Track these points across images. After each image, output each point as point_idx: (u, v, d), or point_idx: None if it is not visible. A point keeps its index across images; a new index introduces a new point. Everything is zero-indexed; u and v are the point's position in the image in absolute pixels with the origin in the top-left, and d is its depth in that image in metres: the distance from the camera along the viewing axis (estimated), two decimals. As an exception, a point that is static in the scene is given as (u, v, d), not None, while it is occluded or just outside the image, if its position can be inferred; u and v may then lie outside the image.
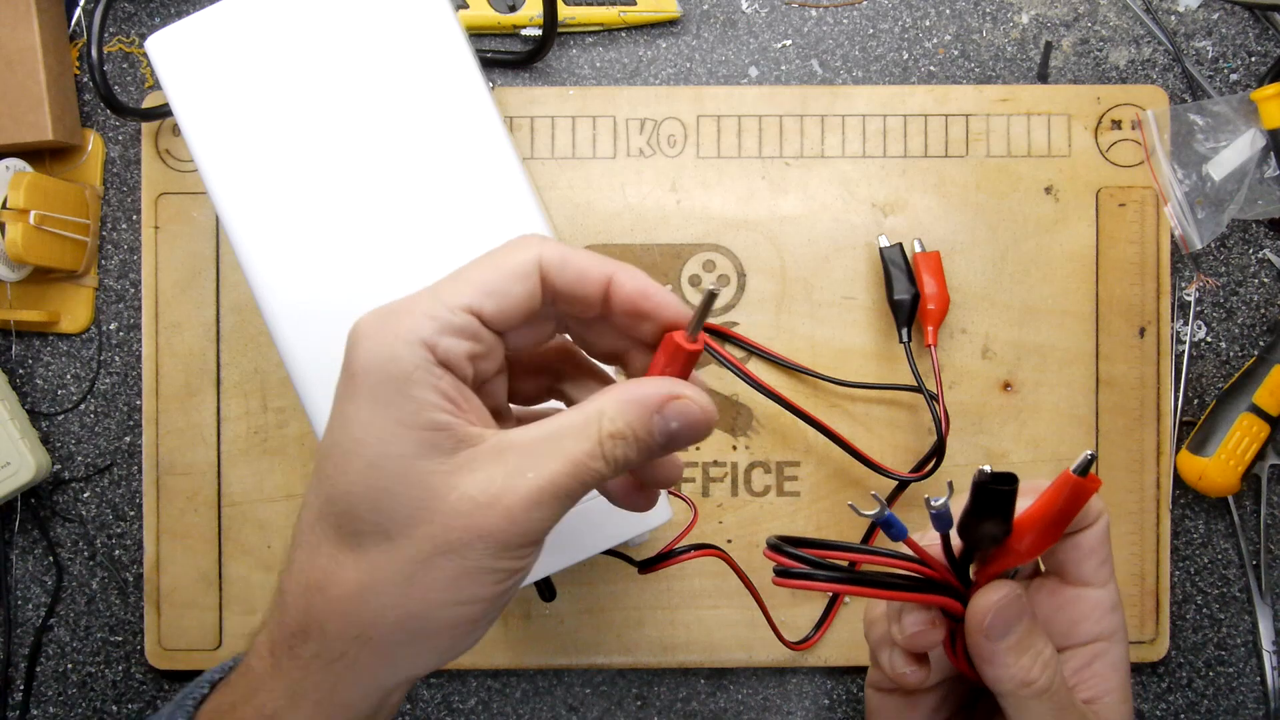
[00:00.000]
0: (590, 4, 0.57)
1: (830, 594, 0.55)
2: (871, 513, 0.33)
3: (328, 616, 0.30)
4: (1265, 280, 0.58)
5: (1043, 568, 0.39)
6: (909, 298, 0.54)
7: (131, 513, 0.58)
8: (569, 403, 0.36)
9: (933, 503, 0.33)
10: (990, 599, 0.34)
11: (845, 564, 0.34)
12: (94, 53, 0.50)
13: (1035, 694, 0.35)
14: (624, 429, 0.31)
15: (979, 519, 0.33)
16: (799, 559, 0.33)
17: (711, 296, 0.31)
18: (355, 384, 0.30)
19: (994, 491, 0.32)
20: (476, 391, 0.32)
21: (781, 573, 0.33)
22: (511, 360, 0.34)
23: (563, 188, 0.57)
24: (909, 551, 0.35)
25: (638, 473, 0.35)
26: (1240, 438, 0.55)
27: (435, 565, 0.30)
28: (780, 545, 0.33)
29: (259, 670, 0.32)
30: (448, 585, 0.30)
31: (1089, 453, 0.32)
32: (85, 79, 0.58)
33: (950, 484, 0.34)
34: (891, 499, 0.55)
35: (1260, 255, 0.58)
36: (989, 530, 0.34)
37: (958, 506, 0.34)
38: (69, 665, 0.58)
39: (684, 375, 0.32)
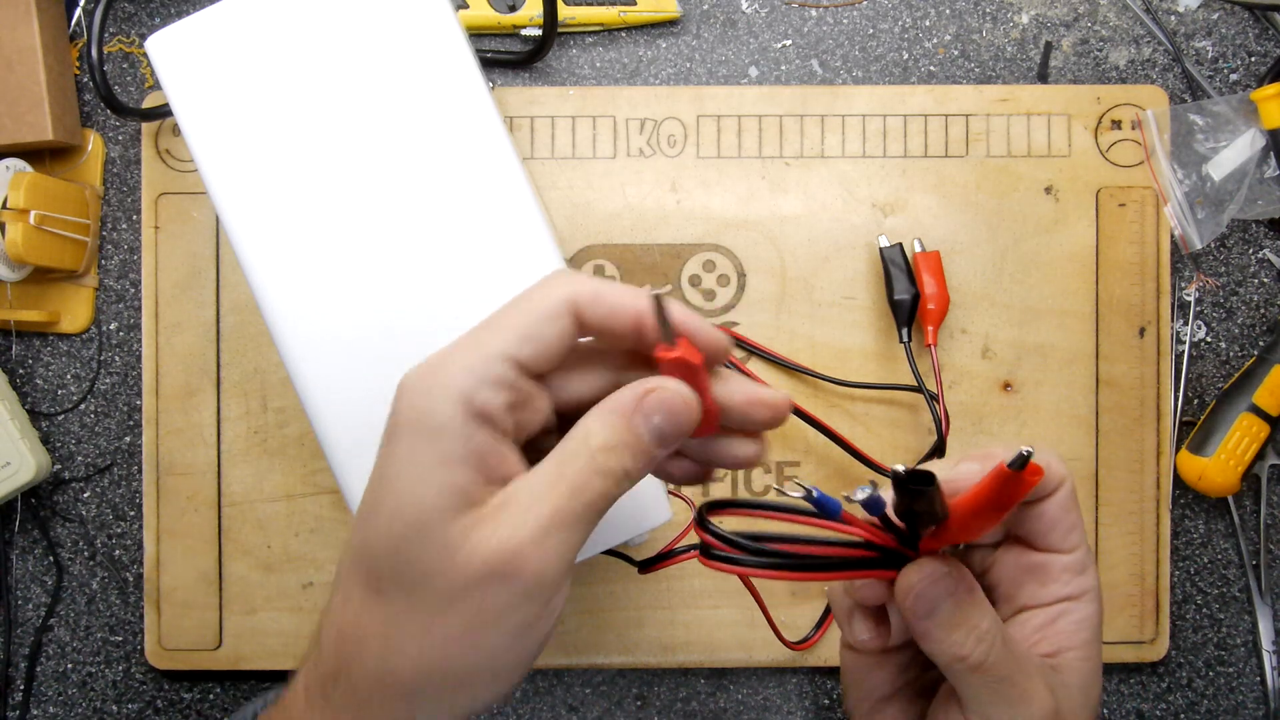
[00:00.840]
0: (590, 4, 0.57)
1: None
2: (798, 494, 0.32)
3: (355, 662, 0.31)
4: (1265, 280, 0.58)
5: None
6: (909, 298, 0.54)
7: (131, 513, 0.58)
8: None
9: (856, 495, 0.32)
10: (911, 580, 0.34)
11: (779, 545, 0.33)
12: (94, 53, 0.50)
13: (969, 669, 0.34)
14: (610, 439, 0.31)
15: (908, 509, 0.33)
16: (732, 543, 0.32)
17: (656, 300, 0.31)
18: (393, 436, 0.31)
19: (914, 490, 0.32)
20: (531, 444, 0.32)
21: (705, 552, 0.32)
22: (569, 411, 0.34)
23: (563, 188, 0.57)
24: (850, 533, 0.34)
25: (695, 457, 0.35)
26: (1240, 438, 0.55)
27: (451, 616, 0.30)
28: (708, 523, 0.32)
29: (295, 708, 0.33)
30: (465, 635, 0.30)
31: (1025, 449, 0.30)
32: (85, 79, 0.58)
33: (873, 483, 0.34)
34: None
35: (1260, 255, 0.58)
36: (924, 516, 0.33)
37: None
38: (69, 665, 0.58)
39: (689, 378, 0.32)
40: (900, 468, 0.31)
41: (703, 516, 0.32)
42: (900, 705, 0.39)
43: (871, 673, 0.39)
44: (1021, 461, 0.30)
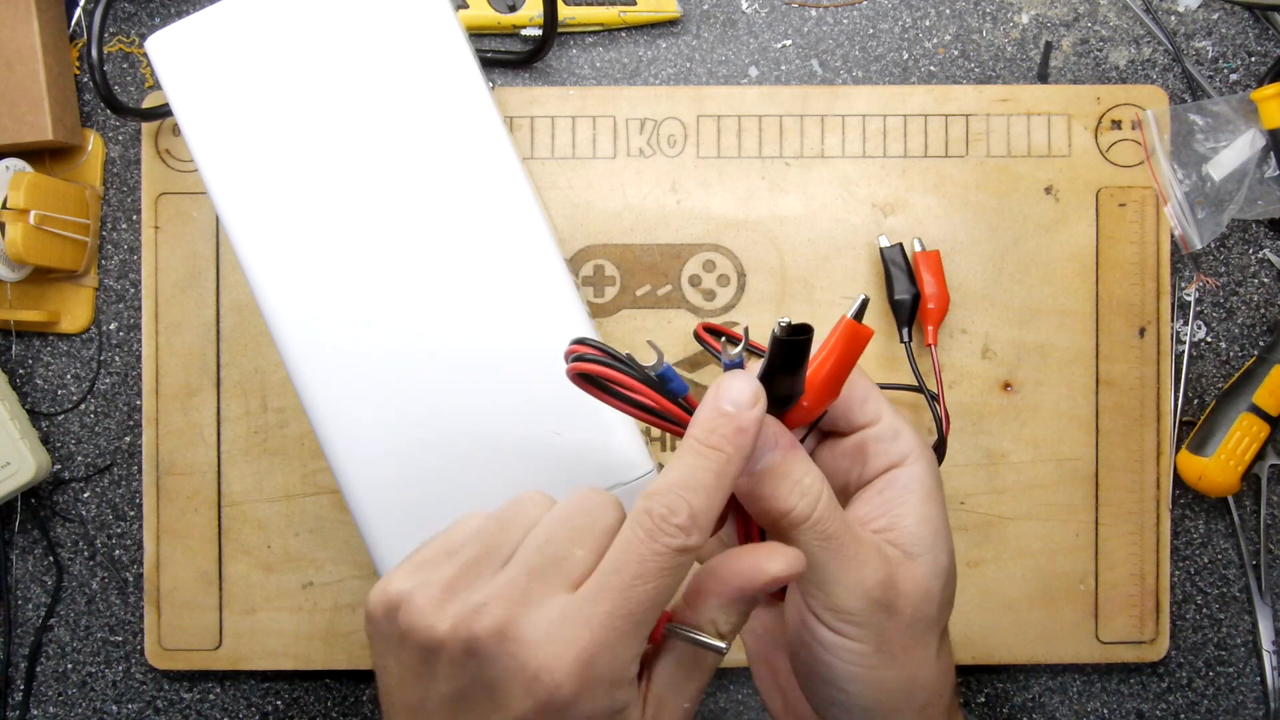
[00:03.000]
0: (590, 4, 0.57)
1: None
2: (649, 364, 0.33)
3: None
4: (1265, 280, 0.58)
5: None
6: (909, 298, 0.54)
7: (131, 513, 0.58)
8: None
9: (729, 351, 0.33)
10: (736, 420, 0.33)
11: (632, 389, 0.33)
12: (94, 53, 0.50)
13: (794, 525, 0.33)
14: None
15: (775, 376, 0.33)
16: (597, 380, 0.33)
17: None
18: None
19: (791, 343, 0.32)
20: None
21: (579, 369, 0.33)
22: None
23: (563, 188, 0.57)
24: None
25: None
26: (1240, 438, 0.55)
27: None
28: (584, 354, 0.33)
29: None
30: None
31: (864, 295, 0.33)
32: (85, 79, 0.58)
33: (746, 329, 0.35)
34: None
35: (1260, 255, 0.58)
36: (783, 389, 0.33)
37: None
38: (69, 665, 0.58)
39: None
40: (785, 320, 0.32)
41: (581, 350, 0.33)
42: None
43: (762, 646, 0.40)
44: (860, 310, 0.33)
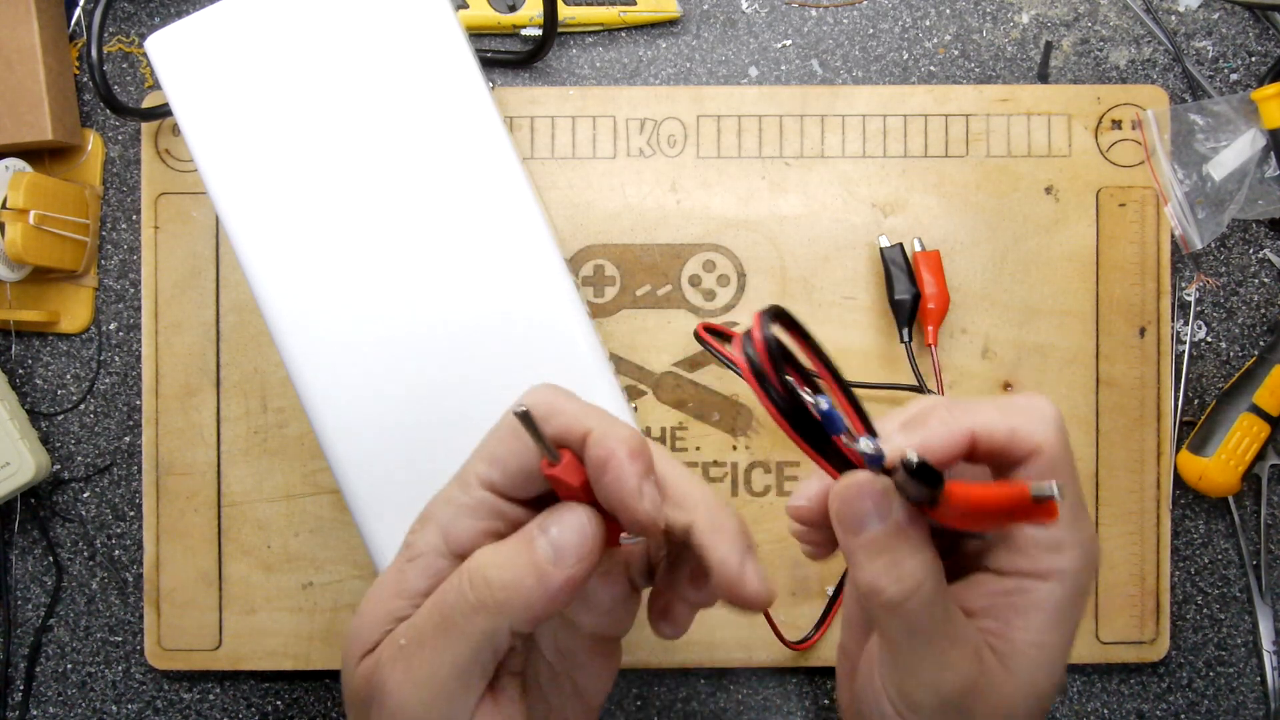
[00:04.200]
0: (590, 4, 0.57)
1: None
2: (812, 398, 0.29)
3: None
4: (1265, 280, 0.58)
5: None
6: (910, 298, 0.54)
7: (131, 513, 0.58)
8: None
9: (860, 446, 0.30)
10: (843, 483, 0.31)
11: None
12: (94, 53, 0.50)
13: (883, 608, 0.30)
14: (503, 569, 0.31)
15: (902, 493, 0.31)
16: (775, 384, 0.29)
17: (524, 416, 0.30)
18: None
19: (917, 484, 0.29)
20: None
21: (750, 347, 0.29)
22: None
23: (563, 188, 0.57)
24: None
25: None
26: (1240, 438, 0.55)
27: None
28: (772, 322, 0.29)
29: None
30: None
31: (1052, 488, 0.28)
32: (85, 79, 0.58)
33: (877, 446, 0.31)
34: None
35: (1260, 255, 0.58)
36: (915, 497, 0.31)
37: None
38: (69, 665, 0.58)
39: (580, 497, 0.32)
40: (914, 456, 0.28)
41: (777, 313, 0.30)
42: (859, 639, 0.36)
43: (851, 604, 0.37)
44: (1044, 497, 0.28)
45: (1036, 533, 0.32)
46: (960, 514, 0.30)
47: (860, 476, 0.31)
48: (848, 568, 0.33)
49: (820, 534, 0.34)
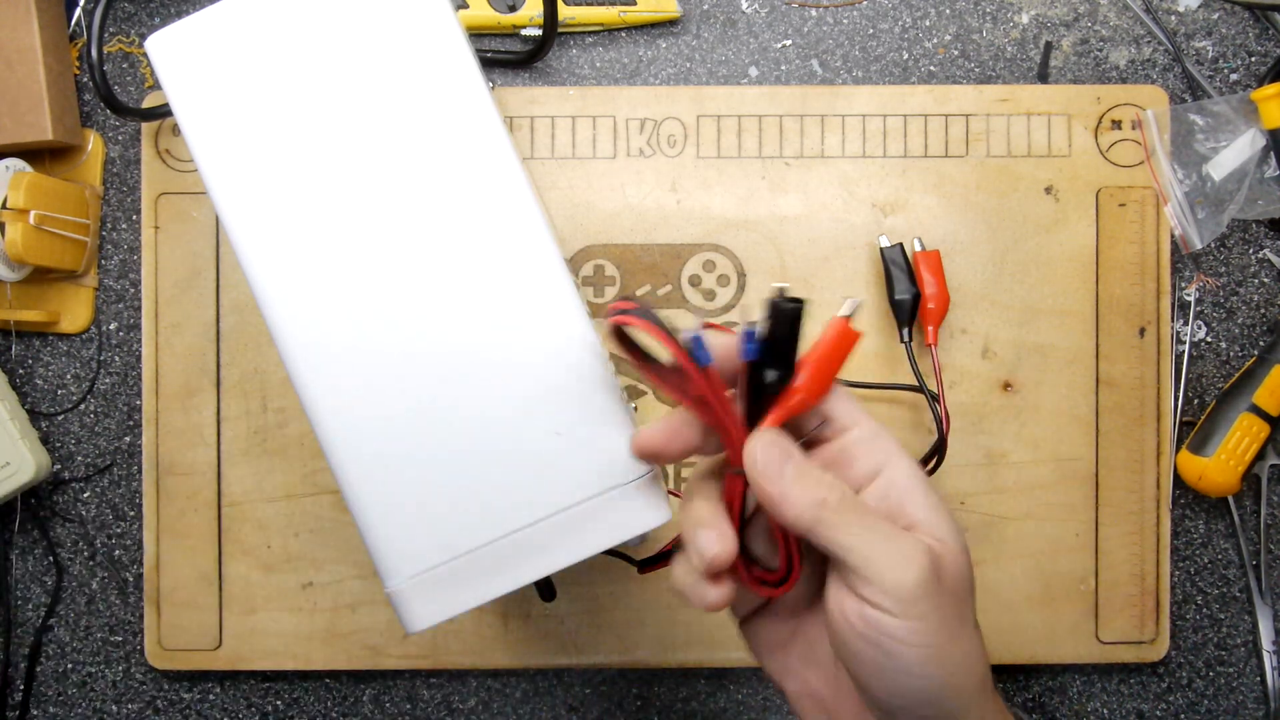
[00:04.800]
0: (590, 4, 0.57)
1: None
2: (688, 331, 0.35)
3: None
4: (1265, 280, 0.58)
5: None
6: (910, 298, 0.54)
7: (131, 513, 0.58)
8: None
9: (742, 329, 0.35)
10: (757, 442, 0.35)
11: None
12: (94, 53, 0.50)
13: (835, 509, 0.35)
14: None
15: (770, 346, 0.35)
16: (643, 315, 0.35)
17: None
18: None
19: (787, 310, 0.35)
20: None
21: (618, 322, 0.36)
22: None
23: (563, 188, 0.57)
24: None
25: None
26: (1240, 438, 0.55)
27: None
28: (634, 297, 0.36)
29: None
30: None
31: (853, 300, 0.37)
32: (85, 79, 0.58)
33: (753, 323, 0.36)
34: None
35: (1260, 255, 0.58)
36: (777, 364, 0.35)
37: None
38: (69, 665, 0.58)
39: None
40: (780, 286, 0.35)
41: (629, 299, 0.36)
42: (790, 627, 0.40)
43: (770, 627, 0.41)
44: (852, 311, 0.36)
45: (858, 434, 0.37)
46: (813, 373, 0.36)
47: (768, 432, 0.36)
48: (774, 523, 0.37)
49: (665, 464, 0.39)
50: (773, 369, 0.36)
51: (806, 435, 0.38)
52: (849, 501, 0.35)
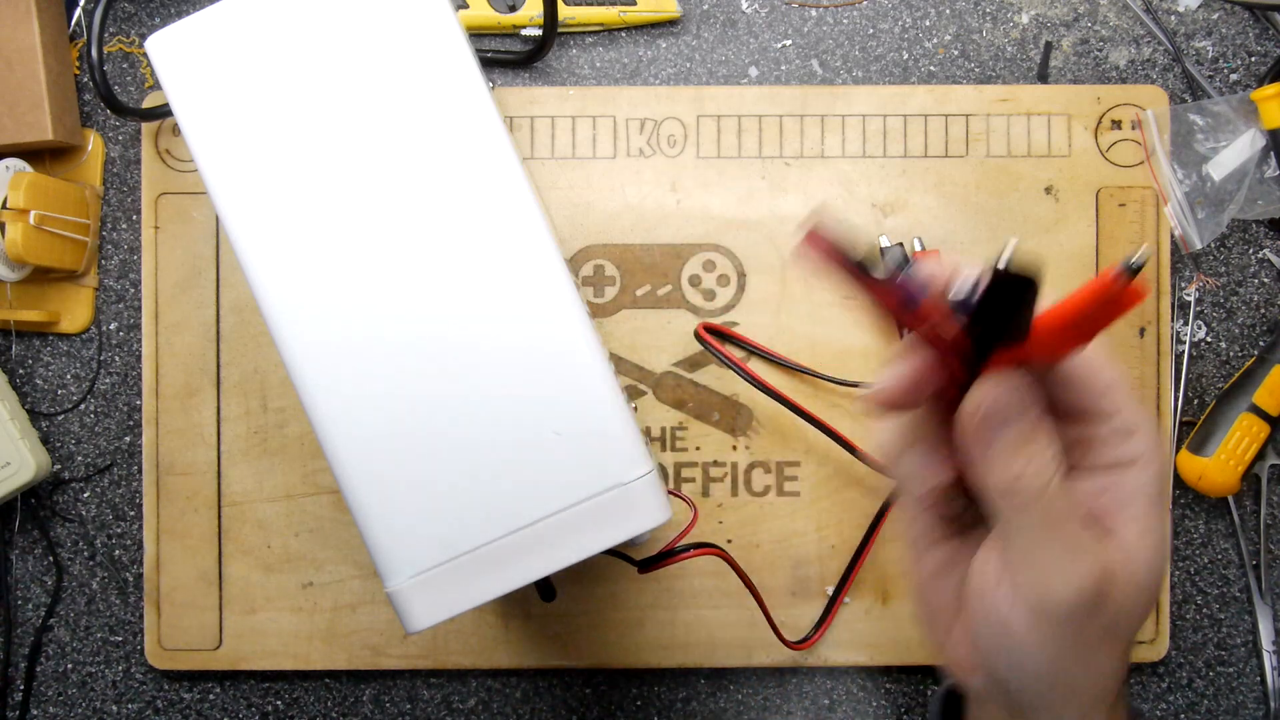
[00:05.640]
0: (590, 4, 0.57)
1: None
2: (894, 260, 0.29)
3: None
4: (1265, 280, 0.58)
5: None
6: (909, 298, 0.54)
7: (131, 513, 0.58)
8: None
9: (953, 289, 0.28)
10: (983, 394, 0.31)
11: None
12: (94, 53, 0.50)
13: (1023, 505, 0.31)
14: None
15: (989, 318, 0.29)
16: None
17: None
18: None
19: (1005, 285, 0.27)
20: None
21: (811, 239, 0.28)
22: None
23: (563, 188, 0.57)
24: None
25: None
26: (1240, 438, 0.55)
27: None
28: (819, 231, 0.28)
29: None
30: None
31: (1140, 254, 0.26)
32: (85, 79, 0.58)
33: (975, 281, 0.29)
34: (892, 499, 0.55)
35: (1260, 255, 0.58)
36: (1002, 331, 0.29)
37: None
38: (69, 665, 0.58)
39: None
40: (1003, 262, 0.27)
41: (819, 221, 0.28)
42: (946, 553, 0.36)
43: (919, 516, 0.36)
44: (1133, 271, 0.25)
45: (1112, 425, 0.33)
46: (1050, 336, 0.29)
47: (1002, 377, 0.30)
48: (970, 478, 0.33)
49: (902, 421, 0.34)
50: (998, 332, 0.29)
51: (1053, 402, 0.33)
52: (1044, 491, 0.31)
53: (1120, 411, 0.33)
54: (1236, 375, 0.56)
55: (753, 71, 0.58)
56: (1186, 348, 0.57)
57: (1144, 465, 0.33)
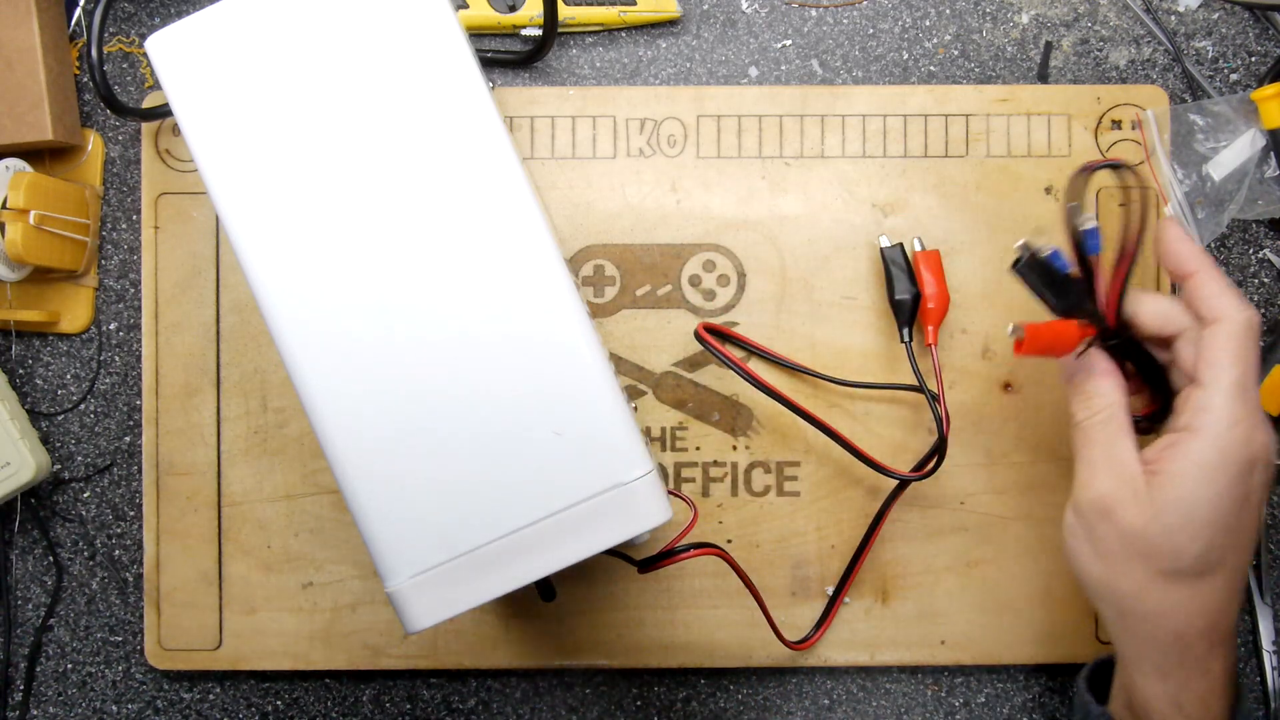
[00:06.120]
0: (590, 4, 0.57)
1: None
2: (1086, 220, 0.44)
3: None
4: (1265, 280, 0.58)
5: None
6: (910, 297, 0.54)
7: (131, 513, 0.58)
8: None
9: (1082, 221, 0.44)
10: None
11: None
12: (94, 53, 0.50)
13: (1073, 428, 0.45)
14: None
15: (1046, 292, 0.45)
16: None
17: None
18: None
19: (1042, 265, 0.45)
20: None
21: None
22: None
23: (563, 188, 0.57)
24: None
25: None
26: (1240, 438, 0.55)
27: None
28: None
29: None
30: None
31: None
32: (85, 79, 0.58)
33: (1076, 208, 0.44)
34: (892, 499, 0.55)
35: (1260, 255, 0.58)
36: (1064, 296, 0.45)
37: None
38: (69, 665, 0.58)
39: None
40: (1041, 250, 0.45)
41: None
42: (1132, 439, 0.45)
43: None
44: (1016, 330, 0.44)
45: (1195, 391, 0.42)
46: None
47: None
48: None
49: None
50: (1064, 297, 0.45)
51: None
52: (1086, 425, 0.44)
53: (1210, 385, 0.42)
54: (1236, 375, 0.56)
55: (753, 71, 0.58)
56: (1186, 348, 0.57)
57: (1204, 437, 0.41)
